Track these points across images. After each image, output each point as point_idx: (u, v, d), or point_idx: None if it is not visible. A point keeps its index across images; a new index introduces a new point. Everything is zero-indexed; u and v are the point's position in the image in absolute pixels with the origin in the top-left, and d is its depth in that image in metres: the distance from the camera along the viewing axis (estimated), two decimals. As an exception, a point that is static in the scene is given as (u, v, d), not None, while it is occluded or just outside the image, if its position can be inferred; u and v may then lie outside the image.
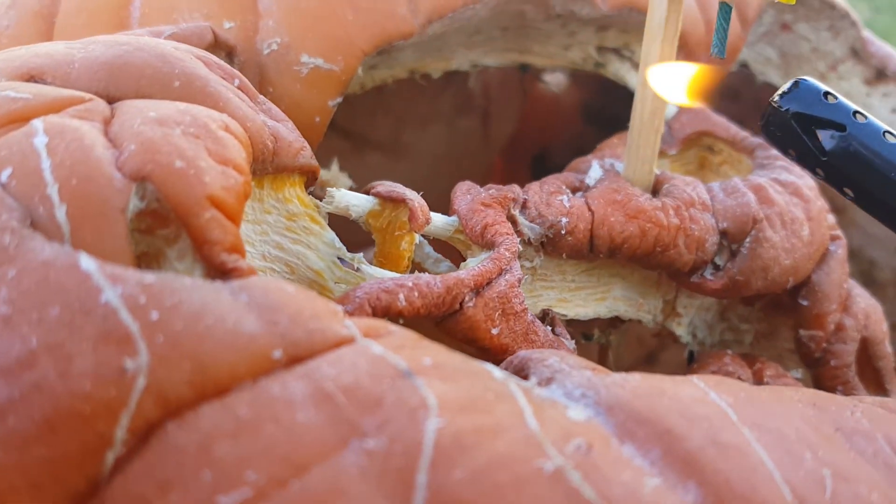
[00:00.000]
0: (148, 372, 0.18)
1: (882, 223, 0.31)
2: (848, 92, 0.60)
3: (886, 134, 0.29)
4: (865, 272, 0.62)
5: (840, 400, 0.24)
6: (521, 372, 0.24)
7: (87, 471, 0.17)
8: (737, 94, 0.63)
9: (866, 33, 0.62)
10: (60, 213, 0.22)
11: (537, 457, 0.18)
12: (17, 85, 0.28)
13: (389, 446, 0.17)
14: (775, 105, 0.30)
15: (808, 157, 0.30)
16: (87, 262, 0.20)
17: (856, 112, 0.29)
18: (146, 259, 0.24)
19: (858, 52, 0.61)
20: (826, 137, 0.29)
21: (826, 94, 0.30)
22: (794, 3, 0.34)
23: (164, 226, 0.24)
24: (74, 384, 0.17)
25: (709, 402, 0.21)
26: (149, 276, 0.20)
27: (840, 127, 0.29)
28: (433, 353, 0.21)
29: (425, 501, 0.16)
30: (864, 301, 0.41)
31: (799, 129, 0.29)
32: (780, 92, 0.30)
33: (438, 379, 0.20)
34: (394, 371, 0.20)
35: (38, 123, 0.24)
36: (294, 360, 0.20)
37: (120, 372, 0.18)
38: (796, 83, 0.30)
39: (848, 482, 0.20)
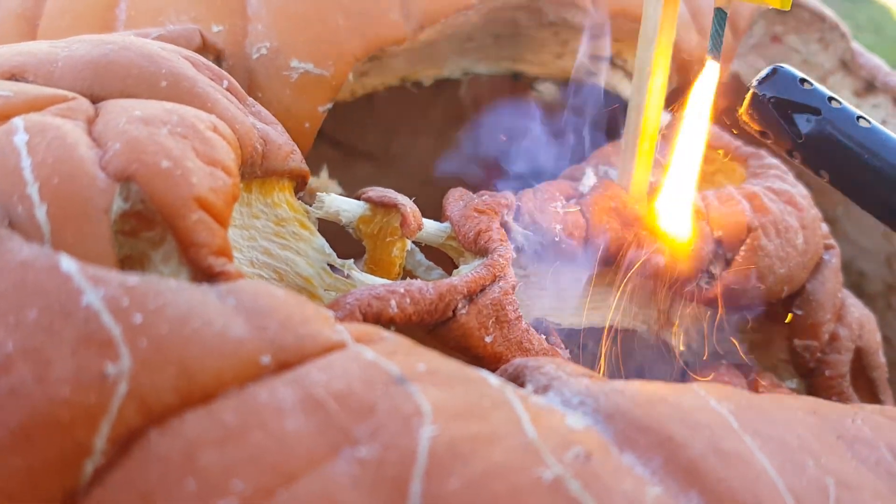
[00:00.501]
0: (130, 377, 0.17)
1: (856, 203, 0.32)
2: (838, 103, 0.60)
3: (860, 119, 0.30)
4: (855, 284, 0.62)
5: (840, 408, 0.24)
6: (517, 380, 0.23)
7: (65, 481, 0.16)
8: (728, 106, 0.63)
9: (855, 45, 0.62)
10: (41, 212, 0.21)
11: (536, 465, 0.17)
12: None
13: (382, 454, 0.17)
14: (754, 90, 0.31)
15: (785, 141, 0.31)
16: (67, 264, 0.19)
17: (831, 98, 0.30)
18: (130, 262, 0.23)
19: (848, 64, 0.61)
20: (802, 121, 0.30)
21: (802, 80, 0.31)
22: (788, 8, 0.34)
23: (149, 228, 0.23)
24: (52, 390, 0.17)
25: (709, 409, 0.21)
26: (132, 279, 0.19)
27: (815, 111, 0.30)
28: (427, 360, 0.20)
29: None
30: (858, 311, 0.41)
31: (777, 113, 0.30)
32: (758, 78, 0.31)
33: (433, 385, 0.19)
34: (387, 377, 0.19)
35: (18, 121, 0.24)
36: (283, 365, 0.19)
37: (100, 377, 0.17)
38: (774, 70, 0.31)
39: (851, 490, 0.19)
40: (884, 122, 0.59)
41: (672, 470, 0.18)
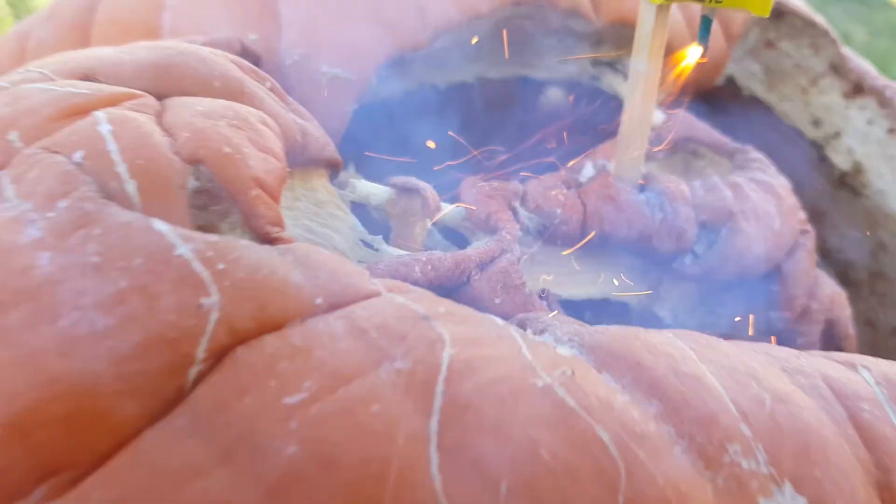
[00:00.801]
0: (220, 308, 0.22)
1: None
2: (828, 105, 0.65)
3: None
4: (842, 272, 0.66)
5: (790, 351, 0.28)
6: (520, 328, 0.28)
7: (175, 382, 0.21)
8: (725, 107, 0.67)
9: (845, 50, 0.66)
10: (130, 187, 0.26)
11: (531, 377, 0.22)
12: (75, 83, 0.32)
13: (413, 367, 0.21)
14: None
15: None
16: (160, 224, 0.24)
17: None
18: (203, 231, 0.28)
19: (838, 68, 0.65)
20: None
21: None
22: (767, 14, 0.38)
23: (217, 203, 0.28)
24: (161, 316, 0.21)
25: (674, 344, 0.25)
26: (213, 237, 0.24)
27: None
28: (446, 305, 0.25)
29: (443, 405, 0.20)
30: (830, 287, 0.45)
31: None
32: None
33: (451, 322, 0.24)
34: (415, 315, 0.24)
35: (100, 114, 0.29)
36: (333, 306, 0.24)
37: (198, 307, 0.22)
38: None
39: (785, 404, 0.24)
40: (870, 122, 0.63)
41: (639, 385, 0.23)
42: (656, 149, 0.47)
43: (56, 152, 0.26)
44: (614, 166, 0.43)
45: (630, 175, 0.43)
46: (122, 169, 0.26)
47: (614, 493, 0.21)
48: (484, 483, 0.20)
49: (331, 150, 0.36)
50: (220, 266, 0.23)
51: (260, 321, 0.22)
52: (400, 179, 0.37)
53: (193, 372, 0.21)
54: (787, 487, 0.23)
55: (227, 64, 0.34)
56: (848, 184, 0.63)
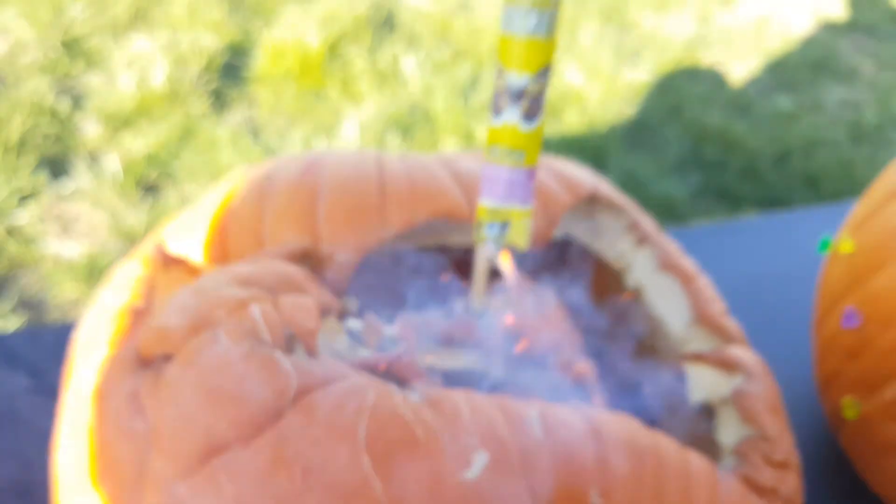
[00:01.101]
0: (296, 384, 0.70)
1: None
2: (625, 250, 1.12)
3: None
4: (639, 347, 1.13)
5: (518, 401, 0.76)
6: (403, 388, 0.76)
7: (281, 411, 0.69)
8: (565, 252, 1.15)
9: (636, 217, 1.13)
10: (267, 337, 0.74)
11: (398, 410, 0.70)
12: (238, 287, 0.81)
13: (358, 407, 0.69)
14: None
15: None
16: (279, 354, 0.72)
17: None
18: (289, 353, 0.76)
19: (632, 228, 1.12)
20: None
21: None
22: (525, 249, 0.86)
23: (295, 342, 0.76)
24: (277, 386, 0.69)
25: (468, 396, 0.73)
26: (296, 359, 0.72)
27: None
28: (374, 381, 0.73)
29: (367, 425, 0.68)
30: (583, 367, 0.92)
31: None
32: None
33: (373, 389, 0.72)
34: (360, 387, 0.72)
35: (255, 308, 0.77)
36: (331, 382, 0.72)
37: (289, 385, 0.70)
38: None
39: (510, 419, 0.72)
40: (646, 263, 1.11)
41: (443, 415, 0.71)
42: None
43: (240, 324, 0.75)
44: (473, 303, 0.91)
45: (477, 308, 0.91)
46: (264, 330, 0.75)
47: (432, 457, 0.69)
48: (378, 456, 0.68)
49: (338, 306, 0.84)
50: (300, 369, 0.71)
51: (307, 388, 0.70)
52: (368, 317, 0.85)
53: (287, 407, 0.69)
54: (482, 452, 0.71)
55: (298, 276, 0.82)
56: (635, 299, 1.11)
